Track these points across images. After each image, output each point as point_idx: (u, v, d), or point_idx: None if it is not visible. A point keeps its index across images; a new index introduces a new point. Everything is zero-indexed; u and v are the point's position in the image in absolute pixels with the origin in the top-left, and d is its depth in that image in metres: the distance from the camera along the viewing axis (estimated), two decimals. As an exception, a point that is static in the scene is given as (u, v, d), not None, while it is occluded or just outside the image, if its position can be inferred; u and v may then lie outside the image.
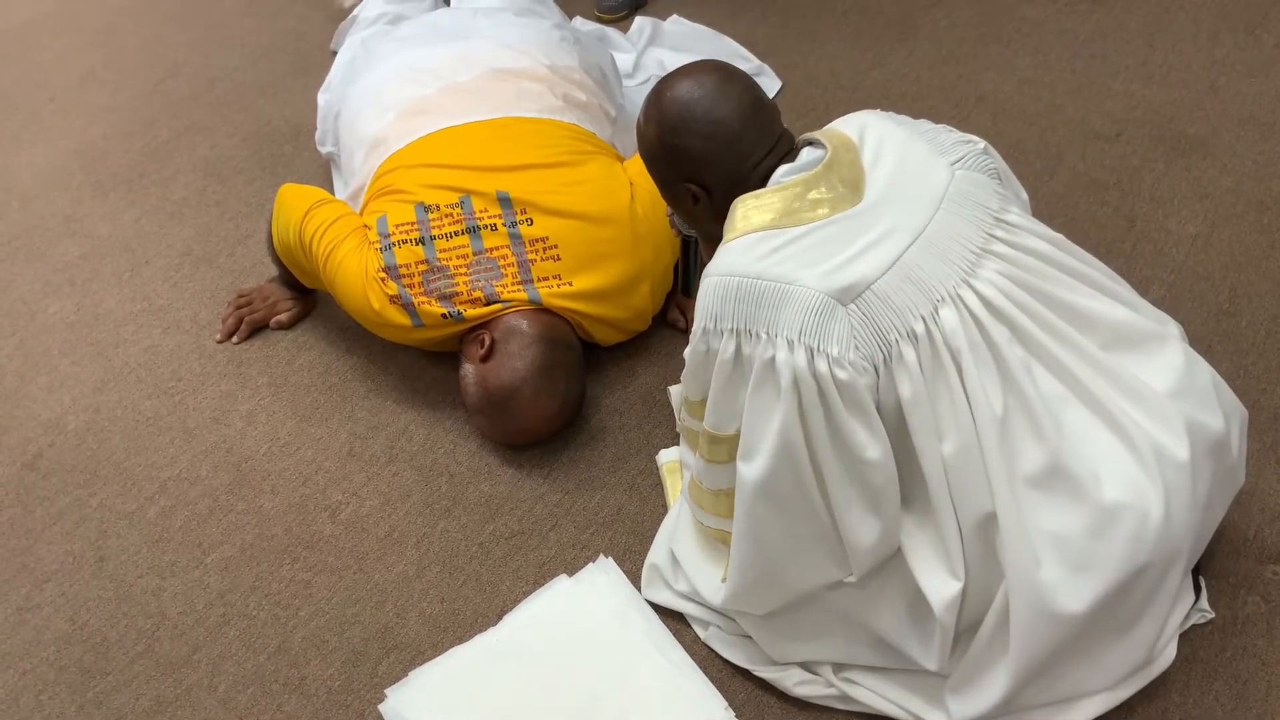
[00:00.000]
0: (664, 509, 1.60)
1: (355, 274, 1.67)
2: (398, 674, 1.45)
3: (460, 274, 1.64)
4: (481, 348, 1.63)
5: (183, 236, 2.16)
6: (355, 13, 2.38)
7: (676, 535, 1.50)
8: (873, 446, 1.19)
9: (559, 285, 1.65)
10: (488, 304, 1.64)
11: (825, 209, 1.21)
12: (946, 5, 2.53)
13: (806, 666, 1.37)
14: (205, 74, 2.61)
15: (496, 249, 1.65)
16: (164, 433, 1.80)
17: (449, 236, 1.65)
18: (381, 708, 1.41)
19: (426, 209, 1.67)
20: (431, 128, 1.80)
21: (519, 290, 1.64)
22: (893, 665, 1.34)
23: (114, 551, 1.64)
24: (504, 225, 1.65)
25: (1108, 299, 1.28)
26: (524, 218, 1.66)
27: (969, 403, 1.19)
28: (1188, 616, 1.37)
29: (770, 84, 2.38)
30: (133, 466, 1.75)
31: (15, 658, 1.52)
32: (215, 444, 1.77)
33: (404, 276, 1.64)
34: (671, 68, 2.39)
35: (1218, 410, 1.25)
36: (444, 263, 1.64)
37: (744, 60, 2.43)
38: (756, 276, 1.19)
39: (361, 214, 1.76)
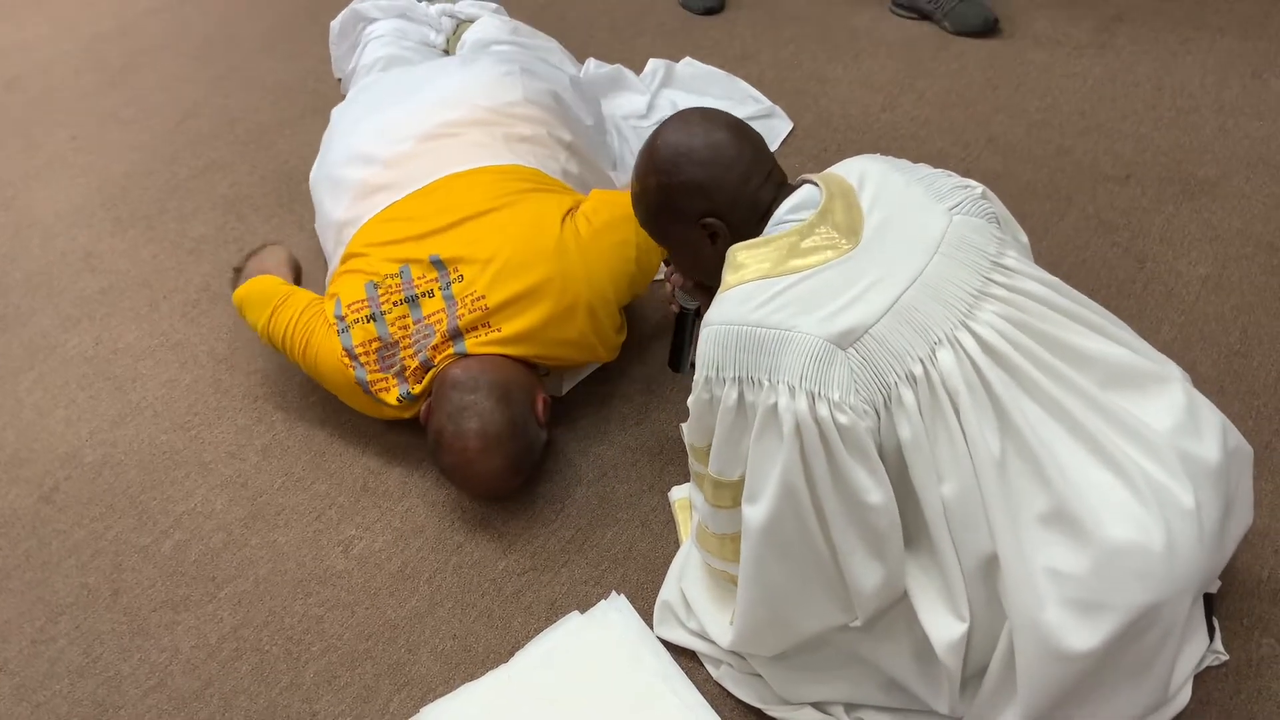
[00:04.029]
0: (676, 546, 1.60)
1: (331, 360, 1.70)
2: (409, 710, 1.45)
3: (405, 347, 1.66)
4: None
5: (201, 272, 2.19)
6: (356, 60, 2.40)
7: (686, 575, 1.50)
8: (875, 491, 1.19)
9: (487, 333, 1.64)
10: (426, 372, 1.65)
11: (821, 255, 1.22)
12: (956, 49, 2.57)
13: (819, 706, 1.37)
14: (225, 113, 2.65)
15: (432, 314, 1.65)
16: (180, 466, 1.81)
17: (393, 308, 1.66)
18: (393, 744, 1.42)
19: (376, 285, 1.69)
20: (382, 204, 1.80)
21: (448, 348, 1.64)
22: (905, 706, 1.34)
23: (129, 585, 1.64)
24: (439, 289, 1.65)
25: (1105, 339, 1.29)
26: (456, 275, 1.66)
27: (967, 444, 1.19)
28: (1202, 659, 1.36)
29: (782, 125, 2.41)
30: (148, 500, 1.76)
31: (30, 690, 1.53)
32: (230, 478, 1.78)
33: (360, 356, 1.67)
34: (682, 105, 2.45)
35: (1215, 443, 1.25)
36: (394, 337, 1.66)
37: (755, 101, 2.46)
38: (756, 324, 1.20)
39: (325, 298, 1.77)
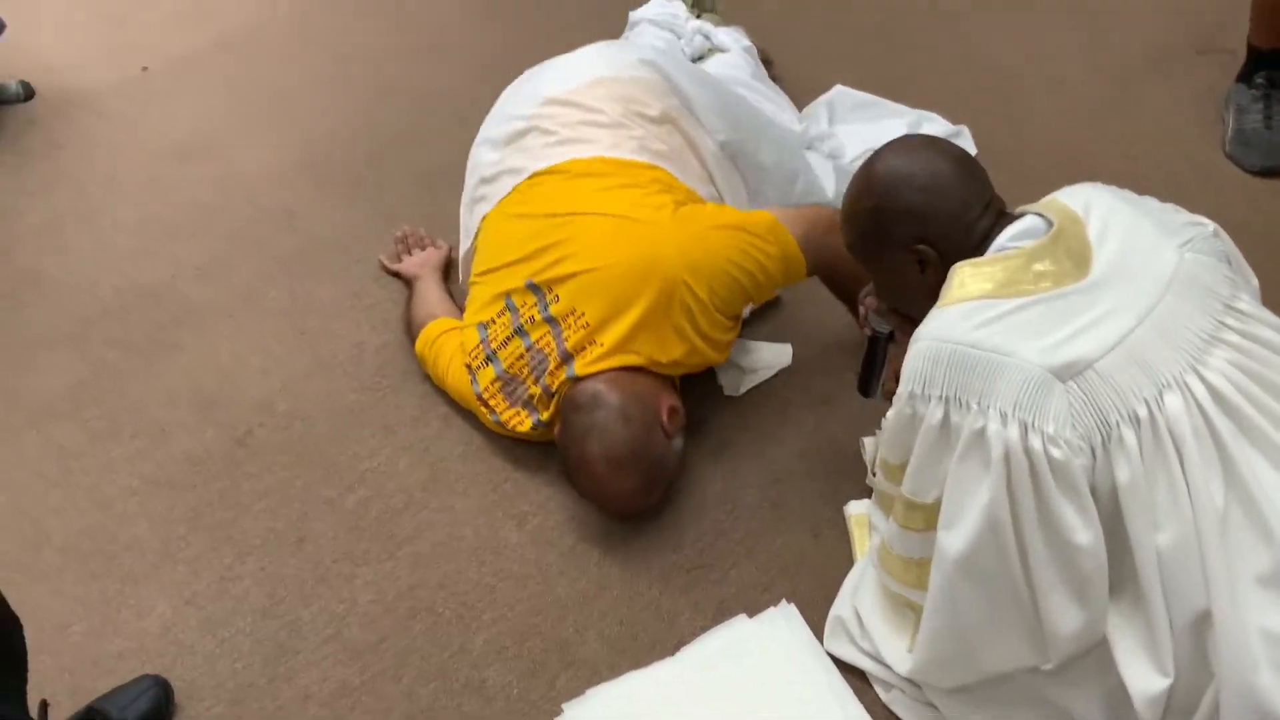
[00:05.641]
0: (849, 561, 1.58)
1: (472, 405, 1.77)
2: (575, 690, 1.47)
3: (526, 377, 1.68)
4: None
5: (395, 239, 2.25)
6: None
7: (860, 594, 1.48)
8: (1084, 531, 1.16)
9: (592, 350, 1.61)
10: (550, 398, 1.65)
11: (1049, 282, 1.19)
12: (1171, 79, 2.46)
13: (993, 743, 1.34)
14: (426, 87, 2.72)
15: (540, 339, 1.65)
16: (366, 425, 1.87)
17: (505, 343, 1.69)
18: (557, 721, 1.44)
19: (485, 326, 1.72)
20: (479, 217, 1.86)
21: (561, 373, 1.63)
22: (1086, 755, 1.30)
23: (313, 534, 1.71)
24: (539, 314, 1.65)
25: None
26: (551, 296, 1.65)
27: (1189, 494, 1.14)
28: None
29: (966, 148, 2.33)
30: (335, 454, 1.83)
31: (215, 624, 1.60)
32: (413, 442, 1.83)
33: (490, 400, 1.72)
34: (871, 138, 2.34)
35: None
36: (512, 372, 1.68)
37: (931, 124, 2.37)
38: (972, 345, 1.17)
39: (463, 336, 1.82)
